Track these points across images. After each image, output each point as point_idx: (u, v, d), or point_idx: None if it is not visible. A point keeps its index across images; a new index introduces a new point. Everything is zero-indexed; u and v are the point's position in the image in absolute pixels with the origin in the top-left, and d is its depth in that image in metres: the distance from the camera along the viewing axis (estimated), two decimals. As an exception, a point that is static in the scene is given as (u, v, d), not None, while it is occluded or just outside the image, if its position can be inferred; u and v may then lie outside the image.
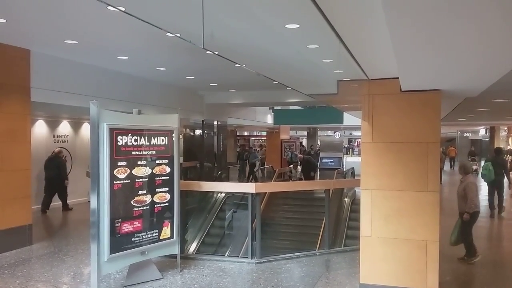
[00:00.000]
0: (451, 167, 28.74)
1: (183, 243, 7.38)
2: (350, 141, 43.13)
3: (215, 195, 10.23)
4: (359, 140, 33.93)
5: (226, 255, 8.11)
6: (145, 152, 5.92)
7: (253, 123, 22.57)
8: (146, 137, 5.92)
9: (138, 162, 5.82)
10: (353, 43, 3.80)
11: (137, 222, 5.81)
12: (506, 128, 30.42)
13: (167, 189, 6.20)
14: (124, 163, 5.62)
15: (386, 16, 2.26)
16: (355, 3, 2.92)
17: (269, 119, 24.44)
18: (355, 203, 10.26)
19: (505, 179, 11.95)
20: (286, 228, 11.12)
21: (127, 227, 5.67)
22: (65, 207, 11.71)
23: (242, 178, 20.79)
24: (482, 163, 17.51)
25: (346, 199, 10.73)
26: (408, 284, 5.41)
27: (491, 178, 11.53)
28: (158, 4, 3.32)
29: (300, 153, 23.11)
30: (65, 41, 7.09)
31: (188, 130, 15.85)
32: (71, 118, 12.83)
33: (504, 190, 11.94)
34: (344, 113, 19.18)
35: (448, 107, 8.84)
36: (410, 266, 5.39)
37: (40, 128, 12.03)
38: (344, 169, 20.30)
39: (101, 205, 5.35)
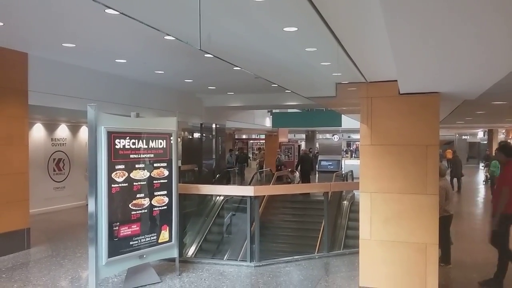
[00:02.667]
0: (448, 167, 29.40)
1: (182, 247, 7.35)
2: (349, 144, 43.10)
3: (213, 198, 10.21)
4: (358, 143, 33.98)
5: (224, 259, 8.08)
6: (143, 155, 5.90)
7: (252, 126, 22.57)
8: (144, 140, 5.90)
9: (136, 165, 5.80)
10: (352, 46, 3.79)
11: (135, 226, 5.79)
12: (504, 131, 30.51)
13: (165, 192, 6.18)
14: (122, 166, 5.60)
15: (385, 19, 2.25)
16: (354, 6, 2.91)
17: (268, 122, 24.44)
18: (354, 205, 10.25)
19: None
20: (285, 231, 11.11)
21: (125, 231, 5.64)
22: None
23: (240, 181, 20.77)
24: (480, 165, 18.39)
25: (345, 202, 10.72)
26: (408, 287, 5.39)
27: (498, 174, 13.37)
28: (155, 6, 3.31)
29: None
30: (63, 44, 7.08)
31: (186, 133, 15.84)
32: (69, 122, 12.81)
33: None
34: (342, 115, 19.20)
35: (447, 109, 8.85)
36: (409, 269, 5.38)
37: (38, 132, 12.00)
38: (343, 172, 20.30)
39: (99, 209, 5.33)
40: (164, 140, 6.18)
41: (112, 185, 5.47)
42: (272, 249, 8.97)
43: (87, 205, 5.56)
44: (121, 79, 10.19)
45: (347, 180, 16.99)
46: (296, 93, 6.61)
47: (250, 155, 35.71)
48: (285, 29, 3.26)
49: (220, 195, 10.02)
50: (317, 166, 25.13)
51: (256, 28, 3.37)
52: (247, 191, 7.63)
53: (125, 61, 8.46)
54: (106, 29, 6.31)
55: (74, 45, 7.17)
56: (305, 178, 18.36)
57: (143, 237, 5.88)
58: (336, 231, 9.47)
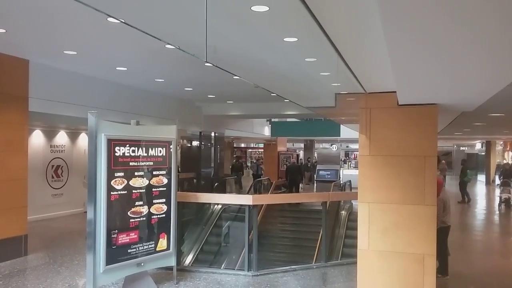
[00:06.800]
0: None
1: (179, 255, 7.34)
2: (347, 154, 43.10)
3: (211, 206, 10.20)
4: (356, 152, 34.01)
5: (222, 267, 8.07)
6: (143, 163, 5.91)
7: (251, 135, 22.58)
8: (144, 148, 5.92)
9: (136, 173, 5.81)
10: (351, 57, 3.82)
11: (134, 234, 5.78)
12: (502, 142, 30.61)
13: (164, 200, 6.18)
14: (121, 173, 5.60)
15: (384, 31, 2.28)
16: (354, 18, 2.95)
17: (266, 131, 24.47)
18: (352, 215, 10.25)
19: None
20: (283, 241, 11.09)
21: (123, 238, 5.64)
22: None
23: (238, 190, 20.72)
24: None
25: (343, 212, 10.72)
26: (405, 298, 5.38)
27: (470, 180, 18.07)
28: (158, 16, 3.35)
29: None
30: (64, 51, 7.12)
31: (185, 141, 15.85)
32: (68, 129, 12.82)
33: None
34: (341, 125, 19.23)
35: (445, 121, 8.88)
36: (407, 280, 5.37)
37: (37, 138, 12.00)
38: (341, 182, 20.29)
39: (97, 216, 5.33)
40: (164, 148, 6.20)
41: (111, 193, 5.47)
42: (269, 259, 8.95)
43: (85, 212, 5.55)
44: (121, 87, 10.21)
45: (345, 190, 16.97)
46: (295, 103, 6.65)
47: (249, 164, 35.64)
48: (285, 39, 3.30)
49: (218, 204, 10.02)
50: (315, 176, 25.12)
51: (257, 38, 3.41)
52: (245, 199, 7.64)
53: (125, 69, 8.50)
54: (107, 37, 6.35)
55: (75, 53, 7.21)
56: (292, 187, 18.51)
57: (141, 245, 5.87)
58: (334, 241, 9.47)
